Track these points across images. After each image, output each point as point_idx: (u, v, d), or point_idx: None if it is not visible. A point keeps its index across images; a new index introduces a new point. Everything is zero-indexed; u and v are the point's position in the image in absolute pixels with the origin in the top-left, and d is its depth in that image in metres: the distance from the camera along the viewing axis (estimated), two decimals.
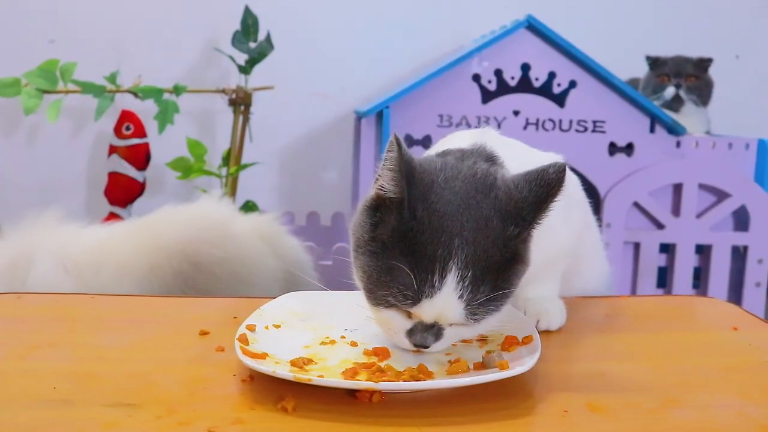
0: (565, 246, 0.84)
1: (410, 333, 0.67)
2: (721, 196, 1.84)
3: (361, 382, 0.62)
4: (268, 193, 2.36)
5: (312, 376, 0.62)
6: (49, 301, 0.93)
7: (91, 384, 0.66)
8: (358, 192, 1.90)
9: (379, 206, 0.68)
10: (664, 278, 1.91)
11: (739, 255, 1.88)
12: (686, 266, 1.86)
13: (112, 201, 2.07)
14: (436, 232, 0.64)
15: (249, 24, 2.00)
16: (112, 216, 2.04)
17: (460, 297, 0.63)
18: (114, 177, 2.05)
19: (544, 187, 0.66)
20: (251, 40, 2.01)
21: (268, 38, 2.02)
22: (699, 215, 1.85)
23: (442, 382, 0.64)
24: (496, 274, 0.64)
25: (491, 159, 0.74)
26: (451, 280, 0.63)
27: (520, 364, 0.64)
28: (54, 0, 2.23)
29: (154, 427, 0.58)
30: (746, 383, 0.70)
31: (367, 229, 0.67)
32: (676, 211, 1.85)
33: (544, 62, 1.80)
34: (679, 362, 0.75)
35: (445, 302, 0.64)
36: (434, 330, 0.66)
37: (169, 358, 0.73)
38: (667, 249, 1.89)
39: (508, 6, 2.21)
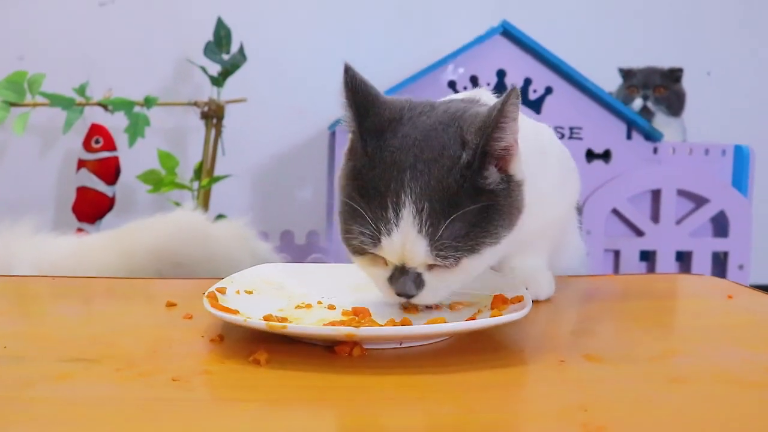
0: (559, 214, 0.81)
1: (391, 281, 0.63)
2: (699, 201, 1.83)
3: (341, 327, 0.56)
4: (241, 212, 2.30)
5: (287, 324, 0.57)
6: (13, 282, 0.87)
7: (45, 343, 0.61)
8: (333, 210, 1.85)
9: (352, 149, 0.65)
10: None
11: (719, 261, 1.86)
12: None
13: (81, 217, 2.00)
14: (388, 167, 0.60)
15: (221, 35, 1.98)
16: (80, 233, 1.97)
17: (420, 231, 0.59)
18: (82, 192, 1.99)
19: (494, 112, 0.60)
20: (224, 52, 1.98)
21: (241, 50, 1.99)
22: (678, 221, 1.83)
23: (426, 328, 0.57)
24: (461, 208, 0.59)
25: (477, 103, 0.69)
26: (407, 215, 0.59)
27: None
28: (23, 16, 2.19)
29: (113, 378, 0.53)
30: (747, 336, 0.66)
31: (340, 175, 0.65)
32: (655, 217, 1.83)
33: (519, 68, 1.80)
34: (676, 323, 0.72)
35: (404, 238, 0.60)
36: (412, 276, 0.61)
37: (133, 323, 0.68)
38: (647, 257, 1.87)
39: (485, 21, 2.21)
